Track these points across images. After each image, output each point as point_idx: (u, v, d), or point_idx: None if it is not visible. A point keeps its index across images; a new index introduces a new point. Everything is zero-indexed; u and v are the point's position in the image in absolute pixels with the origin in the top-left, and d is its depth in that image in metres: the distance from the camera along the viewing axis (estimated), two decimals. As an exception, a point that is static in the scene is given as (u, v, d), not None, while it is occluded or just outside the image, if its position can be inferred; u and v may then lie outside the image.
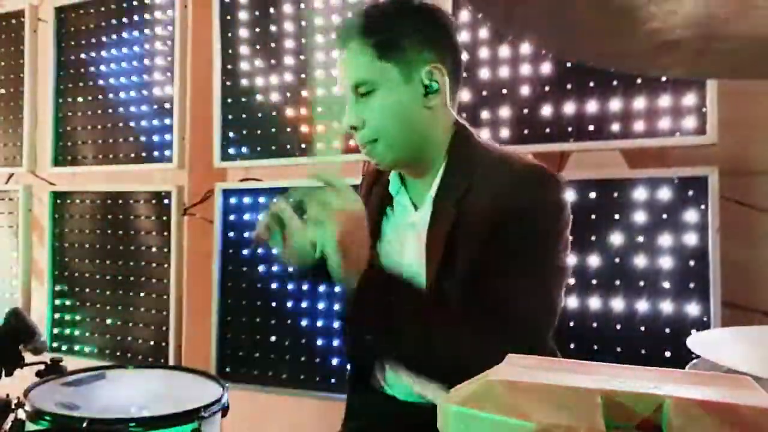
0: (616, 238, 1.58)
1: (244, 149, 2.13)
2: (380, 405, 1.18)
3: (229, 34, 2.15)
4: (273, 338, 2.03)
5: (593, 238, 1.60)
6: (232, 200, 2.13)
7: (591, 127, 1.64)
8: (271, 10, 2.09)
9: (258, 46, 2.11)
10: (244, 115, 2.13)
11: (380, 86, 1.07)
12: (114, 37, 2.41)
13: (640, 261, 1.56)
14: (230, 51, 2.15)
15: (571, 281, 1.59)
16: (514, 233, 0.99)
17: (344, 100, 1.13)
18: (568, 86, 1.66)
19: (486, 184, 1.04)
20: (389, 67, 1.07)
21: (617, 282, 1.57)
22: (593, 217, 1.60)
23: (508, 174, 1.04)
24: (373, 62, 1.07)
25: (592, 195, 1.60)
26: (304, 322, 1.99)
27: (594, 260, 1.59)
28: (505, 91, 1.74)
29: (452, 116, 1.14)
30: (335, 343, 1.94)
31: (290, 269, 2.01)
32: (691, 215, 1.53)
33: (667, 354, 1.54)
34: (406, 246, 1.14)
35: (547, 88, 1.69)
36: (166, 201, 2.27)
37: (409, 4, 1.11)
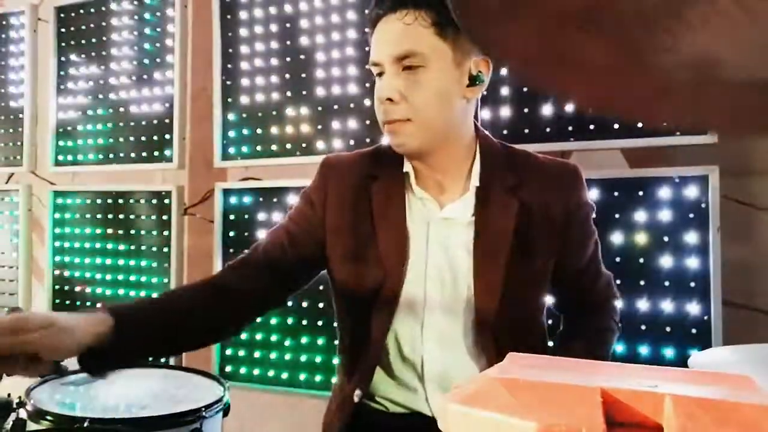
0: (617, 238, 1.58)
1: (244, 149, 2.13)
2: (380, 423, 1.13)
3: (229, 34, 2.15)
4: (273, 338, 2.03)
5: (593, 237, 1.60)
6: (232, 200, 2.13)
7: (591, 127, 1.64)
8: (271, 9, 2.09)
9: (258, 46, 2.11)
10: (244, 115, 2.13)
11: (431, 64, 1.00)
12: (114, 37, 2.41)
13: (640, 260, 1.56)
14: (230, 51, 2.15)
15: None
16: (584, 223, 1.14)
17: (371, 75, 1.07)
18: (568, 86, 1.66)
19: (537, 177, 1.10)
20: (444, 47, 1.00)
21: (617, 281, 1.56)
22: (593, 216, 1.60)
23: (558, 167, 1.13)
24: (429, 36, 1.00)
25: (593, 194, 1.60)
26: (304, 322, 1.99)
27: (594, 260, 1.59)
28: (506, 90, 1.74)
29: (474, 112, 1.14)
30: (335, 342, 1.94)
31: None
32: (691, 214, 1.53)
33: (667, 353, 1.54)
34: (439, 241, 1.09)
35: (547, 88, 1.69)
36: (166, 201, 2.27)
37: None
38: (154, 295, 2.18)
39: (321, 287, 1.98)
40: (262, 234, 2.07)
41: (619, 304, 1.24)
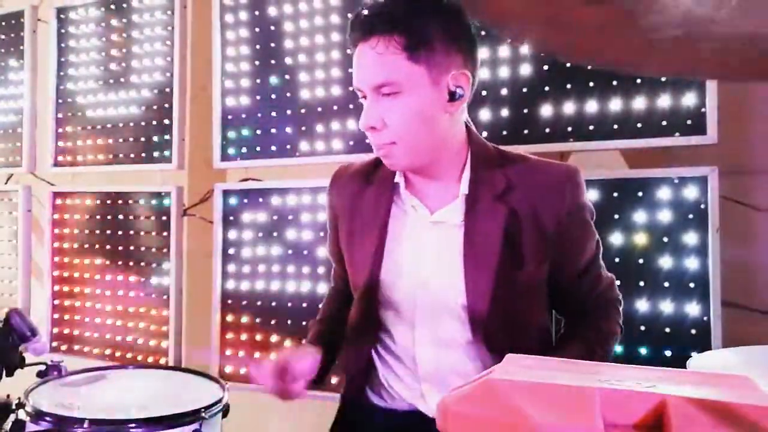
0: (616, 238, 1.58)
1: (244, 149, 2.13)
2: (378, 419, 1.15)
3: (229, 34, 2.15)
4: (273, 338, 2.03)
5: (593, 238, 1.60)
6: (232, 200, 2.12)
7: (591, 127, 1.64)
8: (271, 10, 2.09)
9: (258, 46, 2.11)
10: (244, 116, 2.12)
11: (407, 89, 1.00)
12: (114, 37, 2.41)
13: (639, 261, 1.56)
14: (230, 51, 2.15)
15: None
16: (582, 225, 1.12)
17: (356, 97, 1.09)
18: (568, 86, 1.66)
19: (528, 182, 1.08)
20: (419, 70, 1.00)
21: (617, 282, 1.57)
22: (593, 218, 1.60)
23: (552, 172, 1.10)
24: (401, 62, 0.99)
25: (592, 195, 1.60)
26: (304, 322, 1.99)
27: (594, 260, 1.59)
28: (505, 90, 1.74)
29: (465, 118, 1.13)
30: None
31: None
32: (690, 215, 1.53)
33: (667, 354, 1.54)
34: (429, 245, 1.10)
35: (547, 88, 1.69)
36: (165, 201, 2.27)
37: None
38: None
39: (320, 288, 1.98)
40: (261, 235, 2.08)
41: (621, 307, 1.22)
